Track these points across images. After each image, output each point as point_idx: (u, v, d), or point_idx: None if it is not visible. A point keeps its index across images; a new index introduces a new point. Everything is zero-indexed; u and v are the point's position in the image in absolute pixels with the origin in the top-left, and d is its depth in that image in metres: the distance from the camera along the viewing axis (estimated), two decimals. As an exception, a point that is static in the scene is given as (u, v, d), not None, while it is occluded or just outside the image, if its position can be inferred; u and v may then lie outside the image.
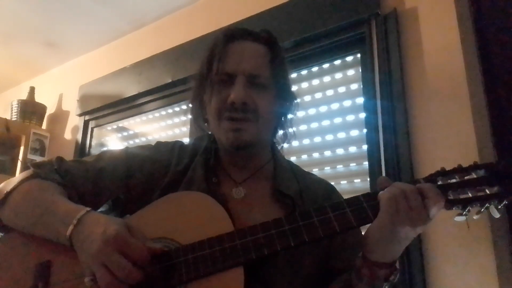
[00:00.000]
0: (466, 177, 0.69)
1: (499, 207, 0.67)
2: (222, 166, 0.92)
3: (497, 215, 0.68)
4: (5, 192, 0.83)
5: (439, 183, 0.70)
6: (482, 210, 0.68)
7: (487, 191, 0.67)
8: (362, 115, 1.55)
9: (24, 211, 0.80)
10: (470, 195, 0.68)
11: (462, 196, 0.68)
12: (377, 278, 0.70)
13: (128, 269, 0.64)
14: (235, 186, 0.88)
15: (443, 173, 0.71)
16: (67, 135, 2.83)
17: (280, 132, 0.97)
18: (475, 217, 0.69)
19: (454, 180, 0.70)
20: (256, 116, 0.84)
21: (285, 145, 0.99)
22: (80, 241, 0.70)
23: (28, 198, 0.81)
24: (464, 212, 0.69)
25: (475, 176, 0.69)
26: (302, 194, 0.88)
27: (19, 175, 0.87)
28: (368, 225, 0.72)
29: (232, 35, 0.88)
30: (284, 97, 0.92)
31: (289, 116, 0.97)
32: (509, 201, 0.66)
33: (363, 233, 0.74)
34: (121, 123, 2.60)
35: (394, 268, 0.70)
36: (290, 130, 0.97)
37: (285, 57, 0.93)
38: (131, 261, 0.65)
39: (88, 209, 0.75)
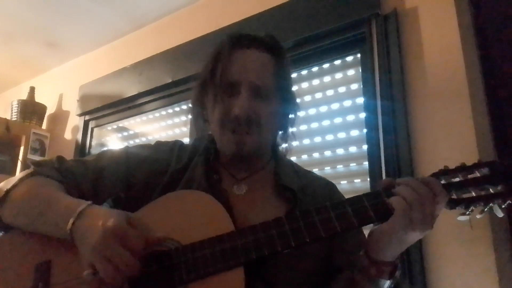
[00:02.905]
0: (469, 176, 0.69)
1: (503, 206, 0.67)
2: (222, 164, 0.92)
3: (500, 214, 0.67)
4: (5, 190, 0.83)
5: (442, 182, 0.69)
6: (486, 209, 0.67)
7: (491, 190, 0.66)
8: (362, 115, 1.55)
9: (24, 208, 0.80)
10: (473, 194, 0.67)
11: (465, 196, 0.67)
12: (383, 276, 0.70)
13: (130, 261, 0.64)
14: (236, 183, 0.88)
15: (446, 171, 0.71)
16: (67, 135, 2.83)
17: (281, 132, 0.97)
18: (478, 216, 0.69)
19: (457, 179, 0.69)
20: (259, 128, 0.84)
21: (286, 145, 0.99)
22: (81, 234, 0.70)
23: (28, 195, 0.81)
24: (468, 212, 0.68)
25: (478, 175, 0.68)
26: (304, 188, 0.88)
27: (19, 174, 0.87)
28: (369, 225, 0.72)
29: (237, 42, 0.87)
30: (287, 103, 0.92)
31: (291, 116, 0.97)
32: None
33: (366, 233, 0.74)
34: (121, 123, 2.60)
35: (396, 264, 0.71)
36: (291, 129, 0.97)
37: (289, 64, 0.93)
38: (131, 252, 0.65)
39: (89, 202, 0.75)
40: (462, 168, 0.70)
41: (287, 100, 0.91)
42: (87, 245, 0.67)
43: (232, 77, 0.84)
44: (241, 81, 0.83)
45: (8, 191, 0.83)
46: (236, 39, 0.88)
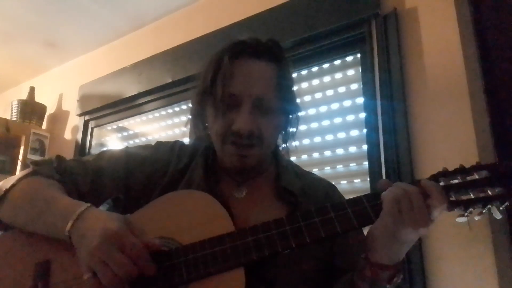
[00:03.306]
0: (468, 178, 0.69)
1: (501, 208, 0.67)
2: (222, 167, 0.91)
3: (498, 216, 0.68)
4: (4, 189, 0.82)
5: (441, 184, 0.69)
6: (484, 211, 0.67)
7: (489, 192, 0.66)
8: (362, 115, 1.55)
9: (23, 208, 0.80)
10: (472, 196, 0.67)
11: (464, 197, 0.67)
12: (379, 279, 0.69)
13: (127, 267, 0.64)
14: (236, 186, 0.88)
15: (445, 173, 0.71)
16: (67, 135, 2.83)
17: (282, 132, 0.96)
18: (476, 218, 0.69)
19: (456, 181, 0.69)
20: (261, 142, 0.82)
21: (286, 145, 0.99)
22: (79, 236, 0.70)
23: (27, 195, 0.81)
24: (466, 213, 0.68)
25: (477, 177, 0.68)
26: (305, 191, 0.88)
27: (18, 173, 0.87)
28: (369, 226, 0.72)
29: (238, 51, 0.84)
30: (288, 104, 0.90)
31: (292, 117, 0.96)
32: (511, 202, 0.66)
33: (365, 233, 0.74)
34: (121, 123, 2.60)
35: (397, 270, 0.70)
36: (292, 129, 0.97)
37: (291, 68, 0.91)
38: (130, 259, 0.65)
39: (89, 204, 0.74)
40: (461, 170, 0.70)
41: (289, 102, 0.89)
42: (85, 248, 0.67)
43: (233, 91, 0.80)
44: (243, 95, 0.80)
45: (6, 191, 0.82)
46: (237, 47, 0.84)
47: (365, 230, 0.76)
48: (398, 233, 0.66)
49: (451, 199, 0.68)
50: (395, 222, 0.66)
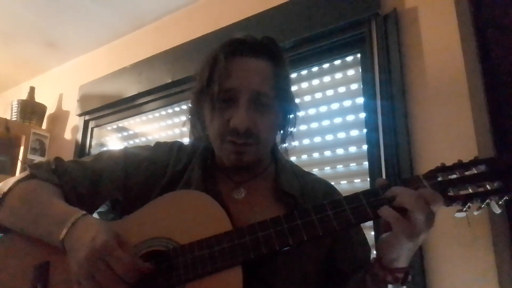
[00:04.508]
0: (466, 173, 0.69)
1: (500, 202, 0.67)
2: (220, 168, 0.91)
3: (498, 210, 0.67)
4: (2, 192, 0.82)
5: (439, 179, 0.69)
6: (483, 206, 0.67)
7: (488, 187, 0.66)
8: (362, 115, 1.55)
9: (20, 212, 0.80)
10: (470, 190, 0.67)
11: (462, 192, 0.67)
12: (398, 281, 0.71)
13: (112, 281, 0.64)
14: (235, 187, 0.88)
15: (443, 169, 0.71)
16: (67, 135, 2.83)
17: (281, 132, 0.96)
18: (475, 213, 0.69)
19: (454, 176, 0.69)
20: (257, 140, 0.82)
21: (285, 145, 0.99)
22: (70, 245, 0.70)
23: (24, 199, 0.81)
24: (465, 208, 0.68)
25: (475, 172, 0.68)
26: (304, 192, 0.87)
27: (16, 176, 0.86)
28: (370, 225, 0.72)
29: (233, 49, 0.83)
30: (286, 104, 0.90)
31: (290, 117, 0.96)
32: (510, 197, 0.66)
33: (367, 232, 0.74)
34: (121, 123, 2.60)
35: (410, 268, 0.72)
36: (290, 129, 0.96)
37: (288, 66, 0.90)
38: (116, 273, 0.64)
39: (84, 212, 0.74)
40: (459, 165, 0.70)
41: (286, 100, 0.89)
42: (74, 258, 0.67)
43: (231, 83, 0.80)
44: (240, 89, 0.80)
45: (4, 194, 0.82)
46: (233, 46, 0.84)
47: (366, 230, 0.76)
48: (414, 243, 0.67)
49: (449, 194, 0.68)
50: (410, 237, 0.66)
